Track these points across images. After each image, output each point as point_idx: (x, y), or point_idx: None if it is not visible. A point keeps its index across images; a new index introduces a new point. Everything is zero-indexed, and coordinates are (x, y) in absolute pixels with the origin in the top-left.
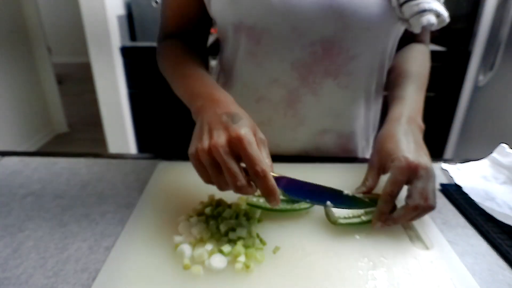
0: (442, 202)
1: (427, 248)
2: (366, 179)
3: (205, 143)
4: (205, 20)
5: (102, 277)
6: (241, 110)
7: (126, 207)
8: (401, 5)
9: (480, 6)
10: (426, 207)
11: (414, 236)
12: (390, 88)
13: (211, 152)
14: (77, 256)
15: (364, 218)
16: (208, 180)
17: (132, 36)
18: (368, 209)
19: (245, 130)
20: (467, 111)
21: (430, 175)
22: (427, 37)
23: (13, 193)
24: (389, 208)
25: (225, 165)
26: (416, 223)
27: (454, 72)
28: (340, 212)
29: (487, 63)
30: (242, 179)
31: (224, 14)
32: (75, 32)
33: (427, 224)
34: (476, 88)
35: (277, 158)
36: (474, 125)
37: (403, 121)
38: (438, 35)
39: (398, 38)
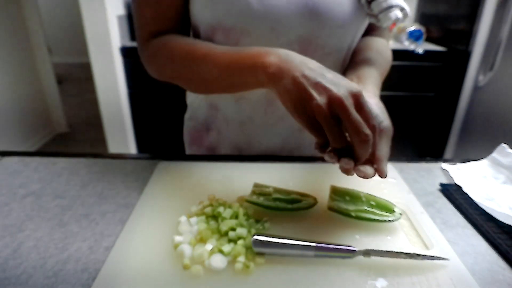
0: (442, 202)
1: (427, 248)
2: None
3: (323, 97)
4: (187, 18)
5: (102, 277)
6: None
7: (126, 207)
8: (369, 2)
9: (480, 6)
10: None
11: (414, 236)
12: (349, 64)
13: (336, 103)
14: (77, 256)
15: (353, 214)
16: (334, 142)
17: (132, 36)
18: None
19: (360, 87)
20: (467, 111)
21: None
22: (387, 31)
23: (13, 193)
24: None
25: (349, 113)
26: (416, 223)
27: (454, 72)
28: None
29: (487, 63)
30: (367, 129)
31: (202, 15)
32: (75, 32)
33: (427, 224)
34: (476, 88)
35: (260, 158)
36: (474, 125)
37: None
38: (438, 36)
39: (362, 32)
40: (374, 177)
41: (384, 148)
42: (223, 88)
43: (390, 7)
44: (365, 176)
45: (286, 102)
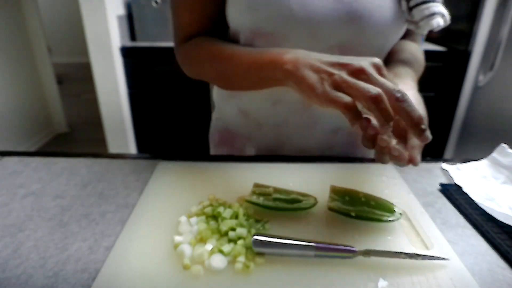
0: (442, 202)
1: (426, 248)
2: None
3: (341, 70)
4: (223, 22)
5: (102, 277)
6: None
7: (126, 207)
8: (410, 8)
9: (480, 6)
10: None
11: (414, 236)
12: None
13: (355, 70)
14: (77, 256)
15: (353, 214)
16: (362, 98)
17: (132, 36)
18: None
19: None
20: (467, 111)
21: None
22: (419, 37)
23: (13, 193)
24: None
25: (374, 77)
26: (416, 223)
27: (454, 72)
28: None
29: (487, 63)
30: (374, 88)
31: (241, 20)
32: (75, 32)
33: (427, 224)
34: (476, 88)
35: (260, 158)
36: (474, 125)
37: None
38: (438, 36)
39: (400, 37)
40: (374, 177)
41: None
42: (247, 86)
43: (432, 14)
44: (399, 158)
45: (304, 88)
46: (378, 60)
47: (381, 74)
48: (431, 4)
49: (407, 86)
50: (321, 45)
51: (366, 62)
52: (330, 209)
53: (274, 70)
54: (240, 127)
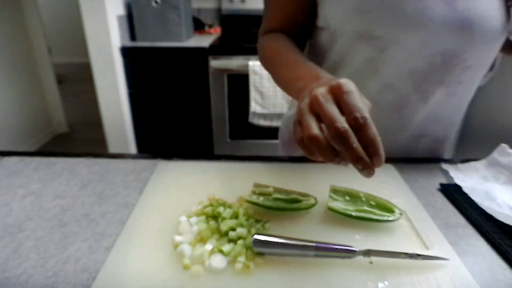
0: (442, 202)
1: (427, 248)
2: None
3: (306, 100)
4: (310, 25)
5: (102, 277)
6: None
7: (126, 207)
8: None
9: None
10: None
11: (414, 236)
12: None
13: (313, 101)
14: (77, 256)
15: (353, 214)
16: (306, 139)
17: (132, 36)
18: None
19: (346, 80)
20: (467, 111)
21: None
22: None
23: (13, 193)
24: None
25: (323, 108)
26: (416, 223)
27: None
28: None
29: None
30: (342, 122)
31: (347, 22)
32: (75, 32)
33: (427, 224)
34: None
35: (260, 158)
36: (474, 125)
37: None
38: None
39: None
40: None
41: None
42: (288, 93)
43: None
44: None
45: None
46: (337, 82)
47: (337, 95)
48: None
49: None
50: (426, 51)
51: (323, 89)
52: (330, 209)
53: (293, 93)
54: None
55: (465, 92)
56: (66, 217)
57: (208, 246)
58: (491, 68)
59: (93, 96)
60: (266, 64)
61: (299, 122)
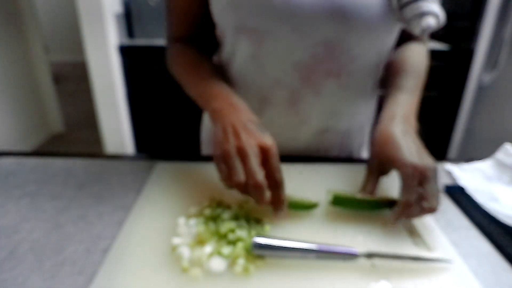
0: (445, 203)
1: (430, 250)
2: (366, 183)
3: (233, 143)
4: (211, 22)
5: (99, 279)
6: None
7: (124, 209)
8: (401, 7)
9: (484, 4)
10: (432, 208)
11: (417, 238)
12: (385, 85)
13: (240, 151)
14: (73, 258)
15: (359, 197)
16: (230, 181)
17: (130, 34)
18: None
19: (272, 142)
20: (471, 110)
21: (436, 174)
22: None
23: (9, 194)
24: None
25: (249, 160)
26: (419, 225)
27: (458, 71)
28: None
29: (491, 61)
30: (261, 176)
31: (225, 16)
32: (72, 30)
33: (430, 226)
34: (480, 87)
35: (290, 159)
36: (478, 125)
37: (398, 121)
38: (441, 34)
39: (397, 37)
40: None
41: (432, 186)
42: (198, 105)
43: (422, 14)
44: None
45: (212, 139)
46: (267, 144)
47: (265, 156)
48: (422, 3)
49: (407, 128)
50: (306, 42)
51: (253, 143)
52: (335, 198)
53: (206, 108)
54: None
55: (358, 84)
56: (63, 219)
57: (207, 249)
58: (495, 66)
59: (90, 96)
60: (177, 75)
61: (225, 162)
